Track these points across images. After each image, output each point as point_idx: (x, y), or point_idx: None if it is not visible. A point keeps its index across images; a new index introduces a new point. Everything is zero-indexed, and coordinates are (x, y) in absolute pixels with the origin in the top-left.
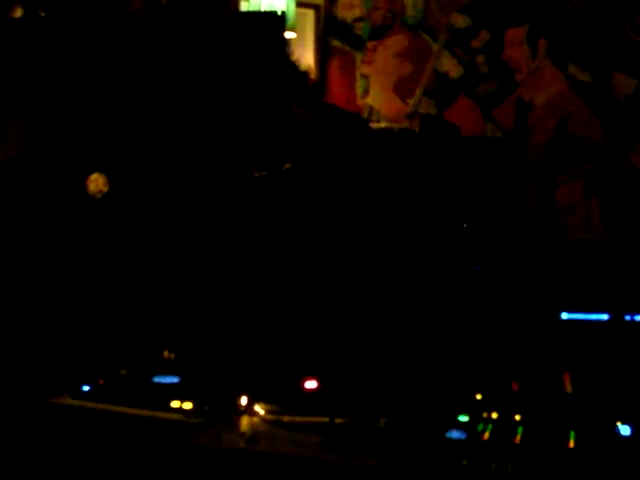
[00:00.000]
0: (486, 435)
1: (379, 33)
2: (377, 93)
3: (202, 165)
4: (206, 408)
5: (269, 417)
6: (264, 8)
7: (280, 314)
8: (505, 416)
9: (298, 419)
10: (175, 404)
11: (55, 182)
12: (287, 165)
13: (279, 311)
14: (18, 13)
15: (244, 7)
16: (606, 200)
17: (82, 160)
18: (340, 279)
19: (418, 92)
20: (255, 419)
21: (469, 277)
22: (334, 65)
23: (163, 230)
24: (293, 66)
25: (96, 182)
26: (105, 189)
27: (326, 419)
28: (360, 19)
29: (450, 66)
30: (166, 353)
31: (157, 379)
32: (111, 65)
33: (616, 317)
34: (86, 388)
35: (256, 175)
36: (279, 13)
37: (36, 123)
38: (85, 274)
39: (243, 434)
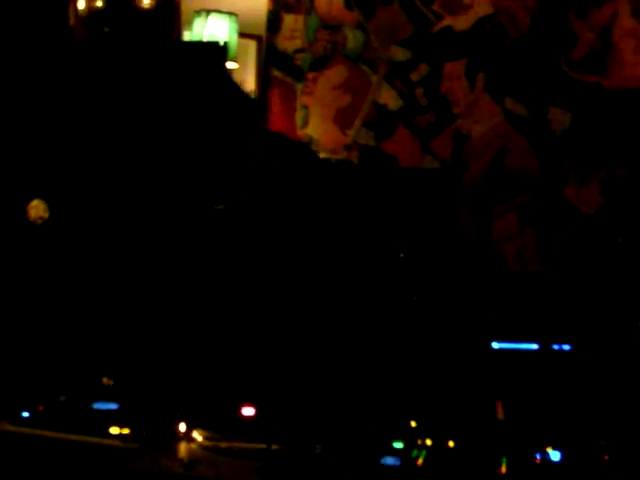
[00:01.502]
0: (420, 461)
1: (319, 64)
2: (317, 124)
3: (144, 192)
4: (144, 434)
5: (207, 443)
6: (206, 38)
7: (216, 341)
8: (439, 442)
9: (235, 445)
10: (114, 430)
11: None
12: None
13: (215, 338)
14: None
15: (187, 37)
16: (541, 231)
17: (23, 186)
18: (275, 308)
19: (357, 123)
20: (193, 445)
21: (406, 306)
22: (275, 95)
23: (103, 257)
24: (245, 95)
25: (36, 208)
26: (46, 215)
27: (263, 445)
28: (301, 50)
29: (389, 98)
30: (105, 380)
31: (96, 405)
32: (53, 92)
33: (545, 347)
34: (25, 414)
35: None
36: (221, 43)
37: None
38: (24, 300)
39: (181, 460)
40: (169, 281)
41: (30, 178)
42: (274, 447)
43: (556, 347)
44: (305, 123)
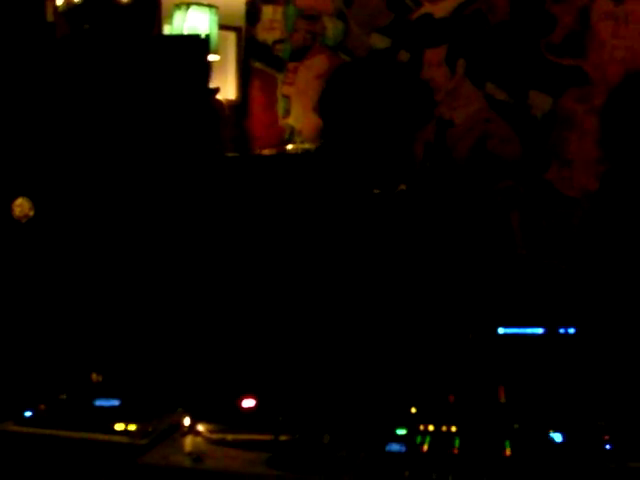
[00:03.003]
0: (425, 447)
1: (300, 54)
2: (298, 113)
3: (126, 188)
4: (150, 429)
5: (213, 436)
6: (187, 31)
7: (216, 332)
8: (442, 428)
9: (242, 437)
10: (119, 426)
11: None
12: None
13: (214, 329)
14: None
15: (167, 30)
16: (525, 215)
17: (7, 184)
18: (275, 296)
19: None
20: (199, 438)
21: (407, 291)
22: (256, 86)
23: (90, 253)
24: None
25: (21, 206)
26: (31, 213)
27: (270, 436)
28: (280, 41)
29: None
30: (94, 376)
31: (98, 402)
32: (36, 89)
33: (550, 331)
34: (28, 414)
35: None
36: (203, 36)
37: None
38: (15, 300)
39: (189, 453)
40: (166, 274)
41: (14, 176)
42: (282, 438)
43: (561, 331)
44: (287, 113)
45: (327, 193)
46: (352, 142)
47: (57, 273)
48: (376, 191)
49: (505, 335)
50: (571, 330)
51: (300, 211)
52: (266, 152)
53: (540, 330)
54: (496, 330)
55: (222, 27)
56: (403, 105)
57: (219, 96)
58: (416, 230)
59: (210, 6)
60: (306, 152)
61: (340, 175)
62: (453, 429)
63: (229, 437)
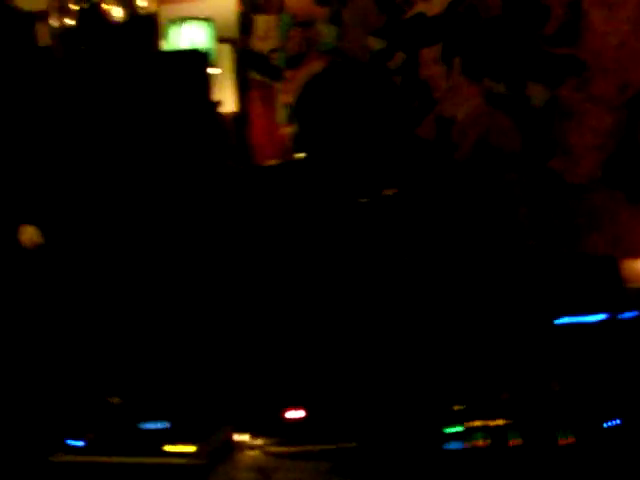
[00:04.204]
0: (481, 442)
1: (296, 61)
2: None
3: (135, 207)
4: (207, 449)
5: (273, 449)
6: (184, 46)
7: (255, 348)
8: (495, 423)
9: (305, 448)
10: (172, 448)
11: None
12: None
13: (254, 344)
14: None
15: (163, 46)
16: (532, 206)
17: (15, 212)
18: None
19: None
20: (258, 453)
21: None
22: (254, 97)
23: (107, 273)
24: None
25: (30, 234)
26: (39, 241)
27: (333, 446)
28: (276, 49)
29: None
30: (115, 400)
31: (146, 425)
32: (38, 112)
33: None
34: (78, 443)
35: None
36: (202, 50)
37: None
38: (26, 329)
39: (256, 469)
40: (194, 291)
41: (21, 203)
42: (345, 445)
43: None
44: (288, 121)
45: (317, 202)
46: (333, 149)
47: (81, 296)
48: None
49: (562, 325)
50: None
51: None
52: (270, 162)
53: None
54: (553, 321)
55: (218, 40)
56: (382, 107)
57: (219, 109)
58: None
59: (206, 19)
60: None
61: (327, 184)
62: (504, 423)
63: (292, 449)
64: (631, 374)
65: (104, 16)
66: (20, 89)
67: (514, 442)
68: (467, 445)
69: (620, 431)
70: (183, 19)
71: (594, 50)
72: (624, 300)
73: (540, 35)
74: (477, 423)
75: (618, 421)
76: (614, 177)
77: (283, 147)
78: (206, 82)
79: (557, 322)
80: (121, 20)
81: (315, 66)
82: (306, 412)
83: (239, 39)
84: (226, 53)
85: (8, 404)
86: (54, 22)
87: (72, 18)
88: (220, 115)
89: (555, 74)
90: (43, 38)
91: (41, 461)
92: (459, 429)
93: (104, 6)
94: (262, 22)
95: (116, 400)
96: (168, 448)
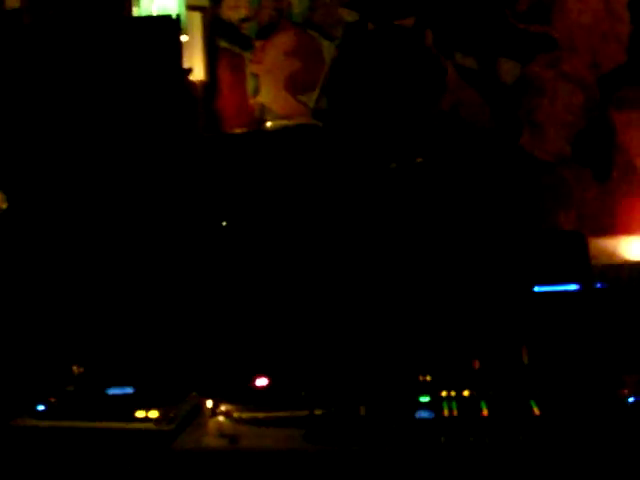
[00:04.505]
0: (452, 412)
1: (266, 32)
2: (268, 91)
3: (96, 171)
4: (172, 414)
5: (243, 415)
6: (156, 12)
7: (226, 312)
8: (464, 392)
9: (275, 414)
10: (140, 414)
11: None
12: None
13: (224, 309)
14: None
15: (135, 12)
16: (502, 181)
17: None
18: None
19: (317, 90)
20: (226, 420)
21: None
22: (223, 66)
23: (79, 242)
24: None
25: None
26: (4, 205)
27: (305, 412)
28: (246, 19)
29: None
30: (75, 368)
31: (111, 391)
32: (5, 79)
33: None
34: (41, 407)
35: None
36: (174, 16)
37: None
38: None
39: (223, 435)
40: (168, 259)
41: None
42: (317, 412)
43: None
44: (256, 91)
45: (337, 169)
46: (364, 116)
47: (52, 264)
48: (393, 165)
49: (540, 293)
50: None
51: (305, 189)
52: (239, 131)
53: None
54: (532, 288)
55: (188, 7)
56: (416, 75)
57: (190, 77)
58: (438, 199)
59: None
60: (285, 128)
61: (351, 150)
62: (474, 393)
63: (260, 415)
64: (601, 345)
65: None
66: None
67: (484, 412)
68: (437, 415)
69: (587, 402)
70: None
71: (566, 28)
72: (592, 275)
73: (512, 11)
74: (446, 393)
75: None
76: (583, 154)
77: (251, 116)
78: (177, 49)
79: (534, 290)
80: None
81: (286, 37)
82: (273, 380)
83: (209, 7)
84: (196, 21)
85: None
86: None
87: None
88: (190, 83)
89: (526, 51)
90: (11, 1)
91: (3, 425)
92: (428, 398)
93: None
94: None
95: (78, 368)
96: (135, 414)
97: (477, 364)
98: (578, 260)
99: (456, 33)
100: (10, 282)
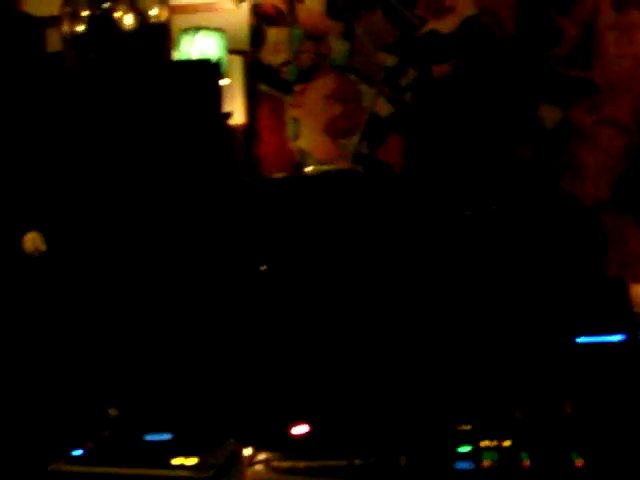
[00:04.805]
0: (492, 463)
1: (306, 76)
2: (308, 135)
3: (135, 217)
4: (211, 461)
5: (281, 464)
6: (197, 56)
7: (265, 358)
8: (505, 443)
9: (314, 463)
10: (177, 461)
11: None
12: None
13: (263, 355)
14: None
15: (176, 56)
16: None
17: (18, 218)
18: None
19: (357, 135)
20: (264, 468)
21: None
22: (263, 110)
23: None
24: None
25: (33, 241)
26: (42, 248)
27: (344, 462)
28: (286, 63)
29: (379, 105)
30: (112, 411)
31: (149, 437)
32: (45, 120)
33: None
34: (78, 452)
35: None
36: (214, 60)
37: None
38: (30, 336)
39: None
40: (202, 302)
41: (25, 209)
42: (356, 462)
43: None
44: (296, 136)
45: (379, 215)
46: (439, 161)
47: (91, 305)
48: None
49: (583, 344)
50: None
51: (345, 235)
52: (279, 175)
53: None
54: (574, 339)
55: (228, 51)
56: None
57: (229, 121)
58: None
59: (218, 30)
60: (326, 173)
61: (423, 196)
62: (512, 443)
63: (299, 464)
64: None
65: (115, 23)
66: (29, 95)
67: (525, 463)
68: (477, 465)
69: (630, 456)
70: (195, 29)
71: (607, 72)
72: (635, 324)
73: (553, 56)
74: (487, 443)
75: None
76: (623, 199)
77: (291, 160)
78: (217, 93)
79: (578, 341)
80: (132, 28)
81: (326, 80)
82: (312, 427)
83: (250, 51)
84: (237, 65)
85: (8, 411)
86: (65, 28)
87: (83, 24)
88: (230, 127)
89: (567, 96)
90: (53, 44)
91: (40, 470)
92: (469, 449)
93: (116, 14)
94: (273, 35)
95: (114, 412)
96: (172, 461)
97: (519, 414)
98: (621, 308)
99: (496, 78)
100: (49, 321)
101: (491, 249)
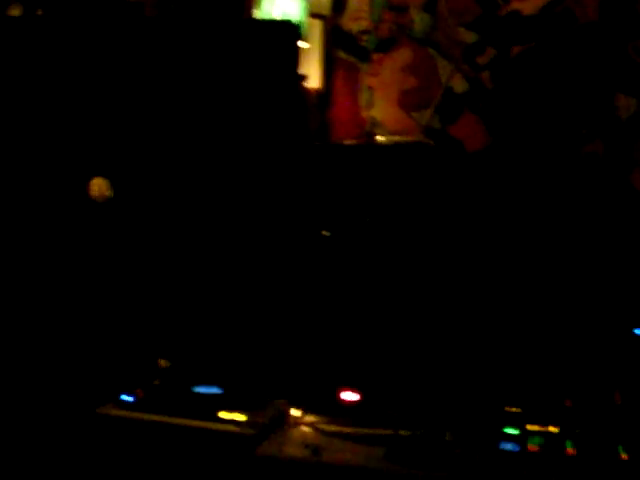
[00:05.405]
0: (536, 447)
1: (385, 46)
2: (381, 106)
3: (203, 170)
4: (260, 420)
5: (328, 428)
6: (278, 16)
7: (324, 322)
8: (551, 428)
9: (360, 430)
10: (224, 415)
11: (57, 185)
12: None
13: (322, 319)
14: (16, 11)
15: (257, 15)
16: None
17: (85, 163)
18: (381, 288)
19: (431, 108)
20: (311, 430)
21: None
22: (339, 76)
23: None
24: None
25: (99, 186)
26: (108, 193)
27: (388, 431)
28: (366, 31)
29: (455, 81)
30: (162, 362)
31: (198, 389)
32: (116, 68)
33: None
34: (128, 398)
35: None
36: (295, 22)
37: (36, 125)
38: (91, 281)
39: (307, 445)
40: (264, 262)
41: (92, 155)
42: (402, 433)
43: None
44: (370, 105)
45: (448, 189)
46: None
47: (151, 258)
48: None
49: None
50: None
51: (412, 206)
52: (348, 142)
53: None
54: (633, 330)
55: (309, 15)
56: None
57: (305, 84)
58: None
59: None
60: (398, 144)
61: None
62: (561, 430)
63: (345, 429)
64: None
65: None
66: (107, 42)
67: (570, 451)
68: (522, 448)
69: None
70: None
71: None
72: None
73: (633, 46)
74: (534, 427)
75: None
76: None
77: (362, 129)
78: (295, 55)
79: (636, 332)
80: None
81: (404, 52)
82: (362, 395)
83: (331, 16)
84: (316, 29)
85: (62, 355)
86: None
87: None
88: (304, 89)
89: None
90: None
91: (89, 412)
92: (516, 431)
93: None
94: (355, 2)
95: (165, 363)
96: (220, 414)
97: (569, 402)
98: None
99: (574, 63)
100: (108, 272)
101: (557, 240)
